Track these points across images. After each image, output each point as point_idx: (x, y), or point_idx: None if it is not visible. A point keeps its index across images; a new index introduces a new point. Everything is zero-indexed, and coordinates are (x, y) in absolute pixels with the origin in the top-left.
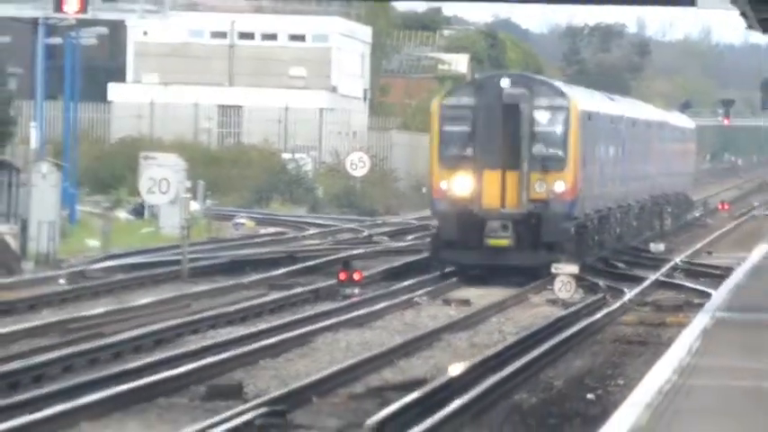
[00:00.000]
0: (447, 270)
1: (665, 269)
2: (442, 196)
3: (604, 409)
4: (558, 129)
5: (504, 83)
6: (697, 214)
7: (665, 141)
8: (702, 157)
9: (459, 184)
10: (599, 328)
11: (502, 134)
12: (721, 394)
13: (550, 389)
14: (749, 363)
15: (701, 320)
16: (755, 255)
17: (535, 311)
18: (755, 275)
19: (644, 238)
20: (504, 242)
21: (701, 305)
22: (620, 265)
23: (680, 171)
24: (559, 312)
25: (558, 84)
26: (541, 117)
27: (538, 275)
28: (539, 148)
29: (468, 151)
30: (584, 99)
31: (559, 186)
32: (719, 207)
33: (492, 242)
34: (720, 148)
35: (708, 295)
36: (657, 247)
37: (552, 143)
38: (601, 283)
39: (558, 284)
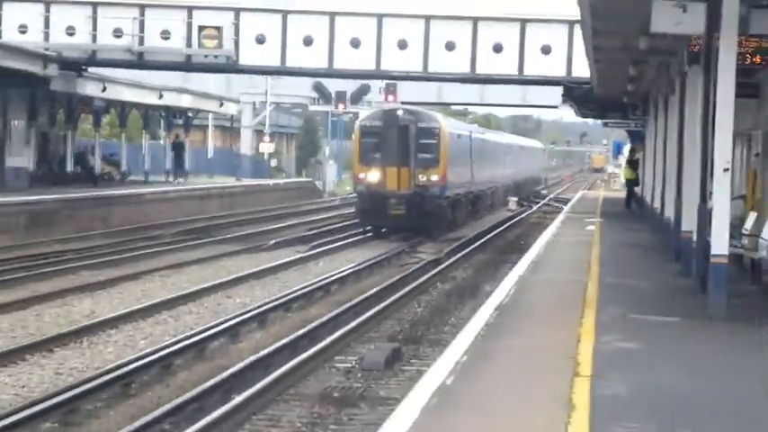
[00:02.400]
0: (367, 228)
1: (546, 199)
2: (361, 182)
3: (527, 246)
4: (434, 142)
5: (400, 112)
6: (556, 181)
7: (522, 152)
8: (560, 161)
9: (372, 175)
10: (525, 219)
11: (398, 145)
12: (570, 240)
13: (509, 239)
14: (579, 231)
15: (560, 217)
16: (578, 195)
17: (498, 215)
18: (580, 201)
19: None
20: (400, 212)
21: (560, 211)
22: (533, 197)
23: (533, 166)
24: (509, 214)
25: (435, 114)
26: (423, 134)
27: (423, 234)
28: (421, 154)
29: (377, 155)
30: (453, 126)
31: (434, 177)
32: (564, 178)
33: (393, 212)
34: (567, 158)
35: (562, 209)
36: (542, 192)
37: (430, 151)
38: (525, 203)
39: (510, 203)
